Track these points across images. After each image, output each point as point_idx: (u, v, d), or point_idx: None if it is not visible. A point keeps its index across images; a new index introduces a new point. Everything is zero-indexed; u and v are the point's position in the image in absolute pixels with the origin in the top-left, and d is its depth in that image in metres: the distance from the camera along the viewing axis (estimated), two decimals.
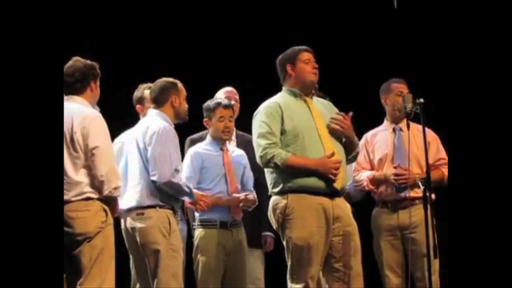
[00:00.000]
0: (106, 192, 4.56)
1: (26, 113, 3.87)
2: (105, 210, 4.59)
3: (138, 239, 4.95)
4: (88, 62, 4.79)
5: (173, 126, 5.15)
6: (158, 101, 5.16)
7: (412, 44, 7.08)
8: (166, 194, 5.01)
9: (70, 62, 4.78)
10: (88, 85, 4.75)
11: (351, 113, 4.91)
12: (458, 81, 4.03)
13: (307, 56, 4.95)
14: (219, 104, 5.46)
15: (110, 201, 4.63)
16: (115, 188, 4.59)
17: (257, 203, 5.46)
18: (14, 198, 3.78)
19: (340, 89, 5.88)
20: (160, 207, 4.98)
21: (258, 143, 4.81)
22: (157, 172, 4.93)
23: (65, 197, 4.51)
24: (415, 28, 7.09)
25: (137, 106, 5.60)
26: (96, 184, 4.55)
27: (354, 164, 5.50)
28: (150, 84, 5.53)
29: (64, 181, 4.51)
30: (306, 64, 4.93)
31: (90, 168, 4.55)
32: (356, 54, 7.31)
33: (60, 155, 4.39)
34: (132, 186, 5.02)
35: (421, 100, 5.10)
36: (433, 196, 5.33)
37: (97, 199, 4.58)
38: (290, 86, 4.97)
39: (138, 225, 4.95)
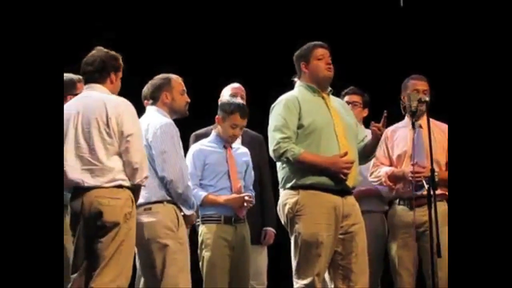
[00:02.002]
0: (137, 180, 4.54)
1: (27, 109, 3.88)
2: (132, 200, 4.56)
3: (145, 234, 4.91)
4: (111, 52, 4.74)
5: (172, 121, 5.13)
6: (152, 98, 5.15)
7: (418, 41, 7.07)
8: None
9: (92, 52, 4.74)
10: (108, 76, 4.69)
11: (385, 113, 4.93)
12: (465, 78, 4.04)
13: (321, 52, 4.96)
14: (238, 110, 5.38)
15: (135, 191, 4.61)
16: (146, 178, 4.59)
17: (253, 203, 5.44)
18: (15, 192, 3.79)
19: (345, 86, 5.88)
20: (168, 202, 4.95)
21: (273, 136, 4.82)
22: (166, 169, 4.89)
23: (95, 183, 4.48)
24: (421, 25, 7.08)
25: (145, 101, 5.62)
26: (128, 171, 4.52)
27: (373, 161, 5.52)
28: None
29: (97, 166, 4.49)
30: (320, 60, 4.94)
31: (121, 155, 4.52)
32: (362, 51, 7.31)
33: (60, 153, 4.36)
34: None
35: (426, 98, 5.09)
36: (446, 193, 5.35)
37: (127, 187, 4.55)
38: (306, 82, 4.97)
39: (146, 220, 4.90)
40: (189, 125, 5.60)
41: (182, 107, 5.16)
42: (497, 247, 3.79)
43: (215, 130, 5.52)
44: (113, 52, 4.74)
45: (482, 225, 3.85)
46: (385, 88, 5.75)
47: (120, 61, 4.75)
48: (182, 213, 4.98)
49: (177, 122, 5.13)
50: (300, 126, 4.80)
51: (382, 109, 5.73)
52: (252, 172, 5.55)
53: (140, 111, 5.53)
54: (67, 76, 4.96)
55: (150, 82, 5.22)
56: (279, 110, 4.84)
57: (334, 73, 5.00)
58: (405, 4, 6.26)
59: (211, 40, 7.32)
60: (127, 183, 4.54)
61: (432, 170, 4.94)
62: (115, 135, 4.53)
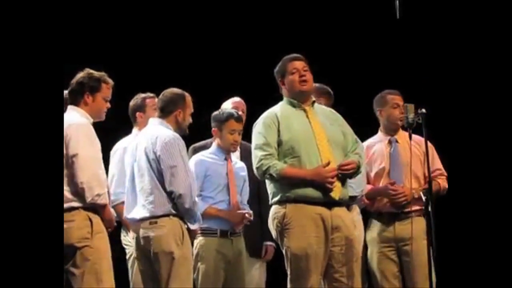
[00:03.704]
0: (89, 199, 4.52)
1: (26, 122, 3.88)
2: (90, 220, 4.55)
3: (152, 248, 4.93)
4: (94, 74, 4.74)
5: None
6: (163, 111, 5.14)
7: (415, 54, 7.08)
8: None
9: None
10: (81, 98, 4.72)
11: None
12: (461, 91, 4.05)
13: (295, 65, 4.94)
14: (231, 116, 5.44)
15: (97, 209, 4.60)
16: (98, 195, 4.54)
17: (251, 219, 5.45)
18: (13, 203, 3.79)
19: (342, 98, 5.89)
20: (173, 215, 4.96)
21: (255, 154, 4.84)
22: (176, 183, 4.92)
23: None
24: (418, 38, 7.09)
25: (137, 113, 5.64)
26: (78, 192, 4.52)
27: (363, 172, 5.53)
28: (151, 94, 5.57)
29: None
30: (293, 74, 4.92)
31: (71, 177, 4.52)
32: (359, 64, 7.32)
33: (60, 162, 4.38)
34: (143, 197, 4.98)
35: (423, 110, 5.10)
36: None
37: (83, 208, 4.54)
38: (287, 96, 4.98)
39: (152, 234, 4.93)
40: (187, 138, 5.62)
41: (187, 126, 5.20)
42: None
43: (215, 142, 5.53)
44: (96, 73, 4.74)
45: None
46: None
47: (103, 83, 4.73)
48: (186, 227, 4.99)
49: None
50: (279, 142, 4.81)
51: (376, 120, 5.75)
52: (248, 188, 5.58)
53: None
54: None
55: (164, 94, 5.19)
56: (259, 128, 4.87)
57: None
58: (401, 16, 6.27)
59: (210, 54, 7.35)
60: (79, 204, 4.53)
61: (430, 182, 4.95)
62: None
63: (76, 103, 4.73)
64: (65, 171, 4.52)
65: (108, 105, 4.83)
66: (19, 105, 3.83)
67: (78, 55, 5.90)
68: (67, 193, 4.52)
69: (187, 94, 5.20)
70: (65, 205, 4.47)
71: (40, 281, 3.74)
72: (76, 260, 4.48)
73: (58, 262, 3.92)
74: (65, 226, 4.43)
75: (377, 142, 5.61)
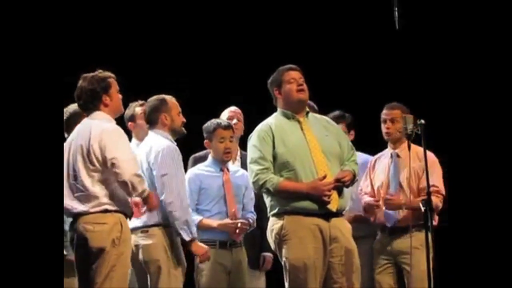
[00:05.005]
0: (135, 194, 4.56)
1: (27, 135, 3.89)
2: (121, 224, 4.58)
3: (141, 256, 4.96)
4: (97, 75, 4.75)
5: (175, 143, 5.16)
6: (150, 121, 5.20)
7: (414, 65, 7.09)
8: None
9: (79, 83, 4.76)
10: (99, 101, 4.72)
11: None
12: (460, 101, 4.06)
13: (291, 75, 4.94)
14: (218, 125, 5.45)
15: (145, 200, 4.64)
16: (144, 191, 4.59)
17: (255, 225, 5.45)
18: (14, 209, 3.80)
19: (340, 109, 5.89)
20: (164, 225, 4.98)
21: (251, 168, 4.84)
22: (165, 192, 4.94)
23: (83, 208, 4.55)
24: (417, 49, 7.10)
25: (129, 123, 5.69)
26: (125, 192, 4.55)
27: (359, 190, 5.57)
28: (141, 102, 5.59)
29: (83, 193, 4.56)
30: (291, 83, 4.92)
31: (107, 181, 4.56)
32: (357, 75, 7.33)
33: (60, 168, 4.40)
34: None
35: (422, 121, 5.10)
36: (435, 222, 5.36)
37: (115, 211, 4.58)
38: (281, 107, 4.98)
39: (142, 242, 4.96)
40: (189, 146, 5.63)
41: (179, 127, 5.21)
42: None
43: (210, 155, 5.54)
44: (99, 74, 4.75)
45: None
46: (380, 112, 5.76)
47: (109, 79, 4.75)
48: (182, 239, 4.99)
49: (179, 145, 5.18)
50: (274, 156, 4.81)
51: (376, 133, 5.76)
52: (252, 194, 5.54)
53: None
54: (74, 107, 4.99)
55: (146, 105, 5.26)
56: (254, 142, 4.87)
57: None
58: (400, 27, 6.28)
59: (212, 63, 7.36)
60: (114, 207, 4.57)
61: (429, 193, 4.94)
62: (98, 161, 4.56)
63: (96, 108, 4.73)
64: (99, 175, 4.56)
65: (120, 95, 4.84)
66: (19, 115, 3.85)
67: (76, 58, 5.90)
68: (101, 196, 4.56)
69: (168, 97, 5.23)
70: (99, 208, 4.54)
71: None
72: (99, 263, 4.49)
73: (58, 263, 3.94)
74: (97, 228, 4.52)
75: (383, 155, 5.63)
